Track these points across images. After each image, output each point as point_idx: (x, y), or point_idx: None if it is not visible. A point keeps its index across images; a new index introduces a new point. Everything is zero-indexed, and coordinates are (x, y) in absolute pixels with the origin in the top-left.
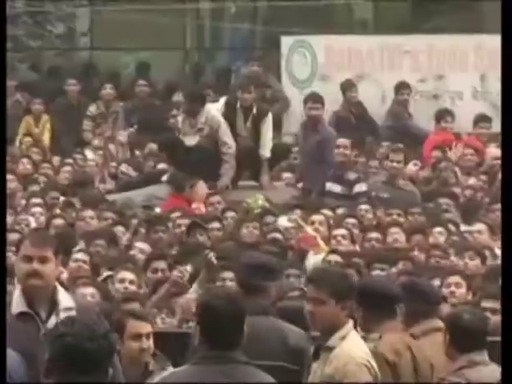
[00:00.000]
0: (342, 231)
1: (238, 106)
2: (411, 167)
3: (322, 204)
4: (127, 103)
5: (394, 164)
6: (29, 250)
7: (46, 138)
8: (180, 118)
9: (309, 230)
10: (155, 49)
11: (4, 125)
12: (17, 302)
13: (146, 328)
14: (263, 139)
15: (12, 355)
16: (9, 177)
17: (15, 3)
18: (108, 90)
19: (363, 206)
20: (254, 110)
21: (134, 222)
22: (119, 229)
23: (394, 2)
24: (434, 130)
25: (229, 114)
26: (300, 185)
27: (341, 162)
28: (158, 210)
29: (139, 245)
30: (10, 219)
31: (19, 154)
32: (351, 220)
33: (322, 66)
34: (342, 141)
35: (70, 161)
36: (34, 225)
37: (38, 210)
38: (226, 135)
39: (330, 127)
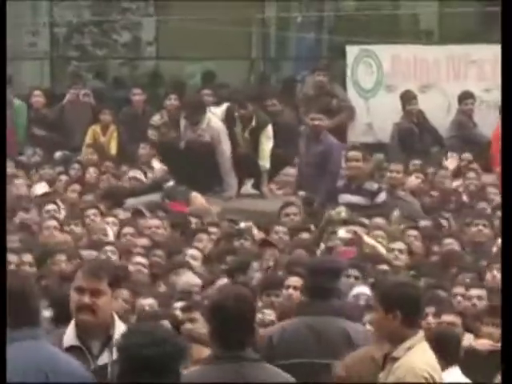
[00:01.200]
0: (401, 245)
1: (237, 115)
2: (412, 179)
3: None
4: None
5: (394, 174)
6: (82, 282)
7: (113, 147)
8: (182, 125)
9: (370, 240)
10: (221, 58)
11: (4, 125)
12: (68, 335)
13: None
14: (262, 150)
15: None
16: (75, 186)
17: (82, 12)
18: (172, 100)
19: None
20: (253, 122)
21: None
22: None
23: (459, 12)
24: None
25: (228, 122)
26: (301, 194)
27: (353, 174)
28: (242, 224)
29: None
30: (79, 229)
31: (86, 163)
32: (413, 232)
33: (388, 76)
34: (352, 154)
35: (136, 170)
36: (111, 235)
37: (111, 219)
38: (224, 144)
39: (333, 138)
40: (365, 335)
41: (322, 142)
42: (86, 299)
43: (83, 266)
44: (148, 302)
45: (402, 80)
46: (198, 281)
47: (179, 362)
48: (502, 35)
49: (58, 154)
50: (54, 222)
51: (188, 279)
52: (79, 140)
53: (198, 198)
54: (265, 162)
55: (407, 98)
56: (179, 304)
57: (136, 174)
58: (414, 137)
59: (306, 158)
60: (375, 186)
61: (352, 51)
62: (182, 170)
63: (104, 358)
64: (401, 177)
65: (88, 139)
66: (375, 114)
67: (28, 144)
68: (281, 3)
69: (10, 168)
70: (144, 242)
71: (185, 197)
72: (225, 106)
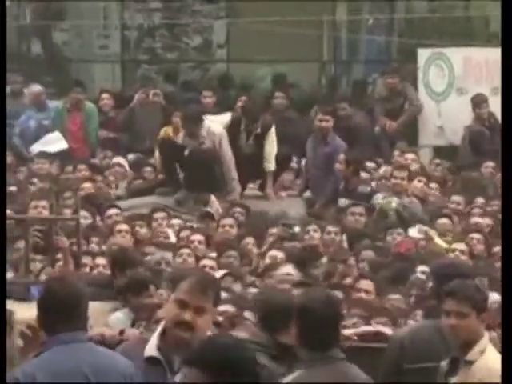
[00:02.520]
0: (463, 246)
1: (243, 127)
2: (416, 184)
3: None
4: (265, 115)
5: (398, 181)
6: (186, 296)
7: None
8: (181, 135)
9: (440, 241)
10: (291, 61)
11: (4, 125)
12: (151, 345)
13: None
14: (267, 152)
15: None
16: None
17: (153, 16)
18: (243, 102)
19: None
20: (258, 130)
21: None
22: (248, 241)
23: None
24: None
25: (232, 129)
26: (306, 195)
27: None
28: (296, 228)
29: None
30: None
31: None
32: (476, 235)
33: (459, 79)
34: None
35: None
36: (172, 238)
37: (177, 221)
38: (225, 148)
39: (340, 139)
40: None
41: (329, 144)
42: (188, 316)
43: (190, 279)
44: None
45: (473, 82)
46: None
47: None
48: (502, 36)
49: (130, 157)
50: (125, 226)
51: (288, 271)
52: (150, 141)
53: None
54: (270, 164)
55: (478, 100)
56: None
57: None
58: (486, 139)
59: (313, 160)
60: (368, 188)
61: (423, 54)
62: (187, 176)
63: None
64: (405, 183)
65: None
66: (446, 117)
67: (99, 147)
68: (352, 5)
69: (84, 171)
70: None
71: (198, 201)
72: (229, 114)
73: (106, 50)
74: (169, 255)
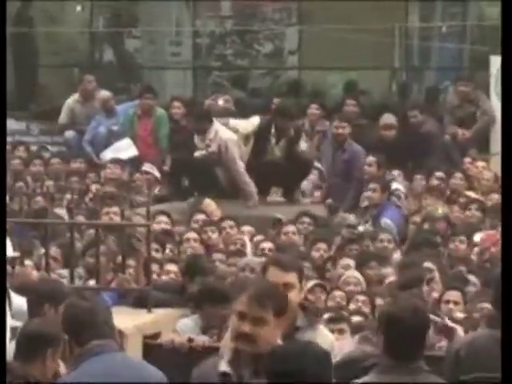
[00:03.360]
0: None
1: (273, 131)
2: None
3: None
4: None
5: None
6: (245, 308)
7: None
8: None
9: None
10: (363, 68)
11: (4, 125)
12: (224, 359)
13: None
14: (304, 157)
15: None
16: None
17: (225, 23)
18: (314, 109)
19: None
20: (292, 132)
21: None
22: (320, 246)
23: None
24: None
25: (262, 132)
26: (328, 202)
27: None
28: (361, 228)
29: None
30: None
31: None
32: None
33: None
34: (370, 159)
35: None
36: (248, 243)
37: (248, 229)
38: (232, 155)
39: (357, 145)
40: None
41: (347, 150)
42: (247, 327)
43: (249, 290)
44: None
45: None
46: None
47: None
48: (502, 36)
49: None
50: (193, 235)
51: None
52: None
53: (211, 204)
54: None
55: None
56: (327, 315)
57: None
58: None
59: (332, 167)
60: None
61: (496, 61)
62: (194, 180)
63: None
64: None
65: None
66: None
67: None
68: (424, 12)
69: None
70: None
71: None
72: (257, 118)
73: (178, 57)
74: (255, 261)
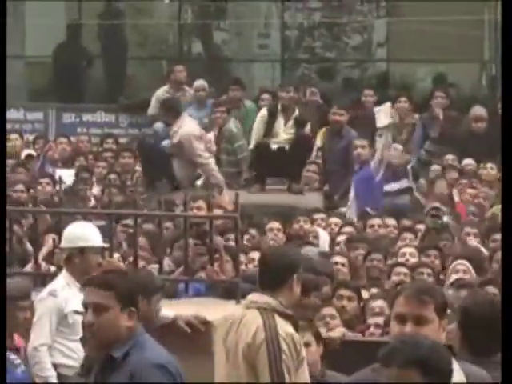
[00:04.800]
0: None
1: (279, 108)
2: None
3: None
4: (424, 115)
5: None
6: (403, 308)
7: None
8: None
9: None
10: (452, 61)
11: (4, 125)
12: None
13: None
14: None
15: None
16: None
17: (313, 15)
18: (402, 102)
19: None
20: (296, 112)
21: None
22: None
23: None
24: None
25: (270, 118)
26: (325, 189)
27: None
28: (445, 219)
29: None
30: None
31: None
32: None
33: None
34: (362, 142)
35: None
36: (323, 235)
37: (335, 220)
38: (198, 149)
39: (354, 132)
40: None
41: (344, 137)
42: (409, 329)
43: (404, 291)
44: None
45: None
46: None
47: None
48: (502, 36)
49: None
50: (276, 224)
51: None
52: None
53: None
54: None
55: None
56: None
57: None
58: None
59: (329, 154)
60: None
61: None
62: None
63: None
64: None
65: (318, 141)
66: None
67: None
68: None
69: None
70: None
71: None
72: (264, 109)
73: (266, 50)
74: (313, 251)
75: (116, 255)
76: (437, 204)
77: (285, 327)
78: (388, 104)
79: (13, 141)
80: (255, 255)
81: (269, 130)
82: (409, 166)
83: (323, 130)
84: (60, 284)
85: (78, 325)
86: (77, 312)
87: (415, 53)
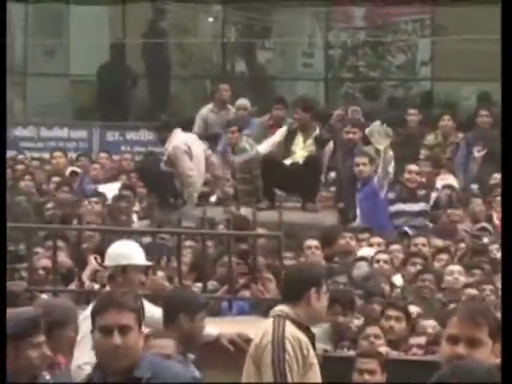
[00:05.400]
0: None
1: (297, 126)
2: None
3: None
4: (469, 134)
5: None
6: (456, 329)
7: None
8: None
9: None
10: (496, 80)
11: (4, 124)
12: None
13: None
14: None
15: None
16: None
17: (357, 34)
18: (446, 120)
19: None
20: (317, 131)
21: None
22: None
23: None
24: None
25: (289, 135)
26: (340, 207)
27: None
28: (485, 240)
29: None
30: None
31: None
32: None
33: None
34: (362, 159)
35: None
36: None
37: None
38: (184, 165)
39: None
40: None
41: (356, 155)
42: (461, 350)
43: (459, 312)
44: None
45: None
46: None
47: None
48: (502, 36)
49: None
50: (314, 242)
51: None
52: None
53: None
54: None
55: None
56: None
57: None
58: None
59: (342, 172)
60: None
61: None
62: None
63: None
64: None
65: None
66: None
67: None
68: None
69: None
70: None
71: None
72: (285, 128)
73: (310, 68)
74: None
75: (160, 273)
76: (484, 224)
77: (293, 331)
78: (377, 122)
79: (57, 158)
80: None
81: (286, 148)
82: (434, 194)
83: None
84: None
85: None
86: None
87: (459, 71)
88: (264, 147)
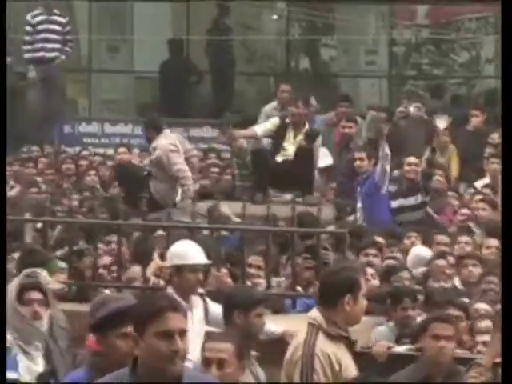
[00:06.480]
0: None
1: (288, 121)
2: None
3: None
4: None
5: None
6: None
7: (454, 168)
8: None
9: None
10: None
11: (4, 123)
12: None
13: None
14: (317, 154)
15: None
16: None
17: (421, 32)
18: None
19: None
20: (307, 126)
21: None
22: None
23: None
24: None
25: (280, 130)
26: (337, 201)
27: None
28: None
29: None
30: None
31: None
32: None
33: None
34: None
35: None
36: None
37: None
38: (177, 162)
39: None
40: None
41: (352, 150)
42: None
43: None
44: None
45: None
46: None
47: None
48: (502, 36)
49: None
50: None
51: None
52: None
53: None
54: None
55: None
56: None
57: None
58: None
59: (338, 166)
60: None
61: None
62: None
63: None
64: None
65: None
66: None
67: None
68: None
69: None
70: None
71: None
72: (277, 118)
73: (373, 66)
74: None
75: (224, 270)
76: None
77: (324, 346)
78: (373, 112)
79: (121, 154)
80: (370, 271)
81: (277, 142)
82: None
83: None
84: None
85: None
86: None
87: None
88: (261, 129)
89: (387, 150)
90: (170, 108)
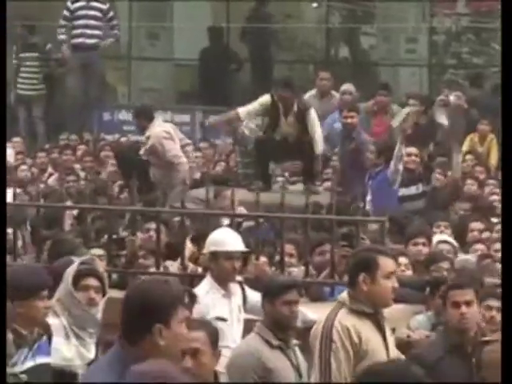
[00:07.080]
0: None
1: (277, 100)
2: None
3: None
4: None
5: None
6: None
7: (493, 158)
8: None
9: None
10: None
11: (4, 123)
12: None
13: None
14: (311, 135)
15: None
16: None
17: (461, 20)
18: None
19: None
20: (295, 107)
21: None
22: None
23: None
24: None
25: (272, 110)
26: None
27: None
28: None
29: None
30: None
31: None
32: None
33: None
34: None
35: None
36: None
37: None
38: (172, 149)
39: (365, 134)
40: None
41: (355, 139)
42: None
43: None
44: None
45: None
46: None
47: None
48: (502, 36)
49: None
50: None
51: None
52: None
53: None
54: (317, 148)
55: None
56: None
57: None
58: None
59: (341, 155)
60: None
61: None
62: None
63: None
64: None
65: (465, 147)
66: None
67: None
68: None
69: None
70: None
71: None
72: (268, 96)
73: (413, 54)
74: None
75: (263, 258)
76: None
77: (343, 319)
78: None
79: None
80: (403, 261)
81: (271, 121)
82: None
83: (470, 136)
84: (203, 289)
85: (220, 331)
86: (220, 318)
87: None
88: (246, 109)
89: (403, 150)
90: (209, 96)
